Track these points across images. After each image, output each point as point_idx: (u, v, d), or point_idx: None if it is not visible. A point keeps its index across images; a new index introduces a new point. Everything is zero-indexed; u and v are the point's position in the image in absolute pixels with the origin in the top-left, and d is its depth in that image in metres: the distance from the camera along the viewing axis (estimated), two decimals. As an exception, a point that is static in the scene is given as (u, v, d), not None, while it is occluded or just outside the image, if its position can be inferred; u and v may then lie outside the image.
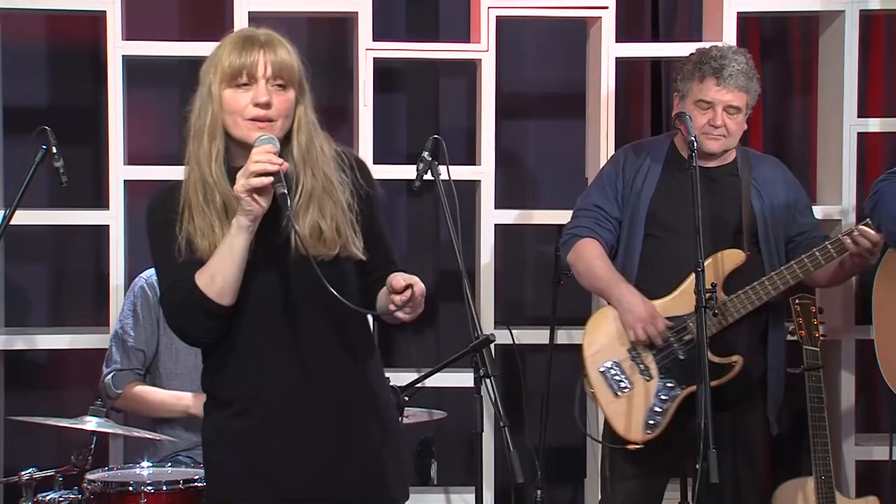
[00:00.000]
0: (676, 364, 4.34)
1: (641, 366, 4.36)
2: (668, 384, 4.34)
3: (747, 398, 4.39)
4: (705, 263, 4.25)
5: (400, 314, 3.13)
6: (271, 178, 3.05)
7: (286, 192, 3.06)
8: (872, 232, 4.23)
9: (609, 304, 4.42)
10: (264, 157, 3.06)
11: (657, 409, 4.34)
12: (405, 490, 3.38)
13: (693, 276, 4.15)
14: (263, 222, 3.13)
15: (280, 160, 3.08)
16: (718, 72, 4.32)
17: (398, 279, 3.10)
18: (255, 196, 3.06)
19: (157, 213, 3.24)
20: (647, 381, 4.35)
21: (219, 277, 3.10)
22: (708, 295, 4.02)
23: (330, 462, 3.24)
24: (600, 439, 4.51)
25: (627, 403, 4.35)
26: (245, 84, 3.13)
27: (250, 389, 3.22)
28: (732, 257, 4.33)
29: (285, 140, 3.18)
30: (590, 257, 4.43)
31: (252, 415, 3.22)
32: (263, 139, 3.11)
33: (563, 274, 4.73)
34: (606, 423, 4.41)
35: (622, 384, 4.36)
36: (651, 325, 4.30)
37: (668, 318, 4.33)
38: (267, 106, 3.12)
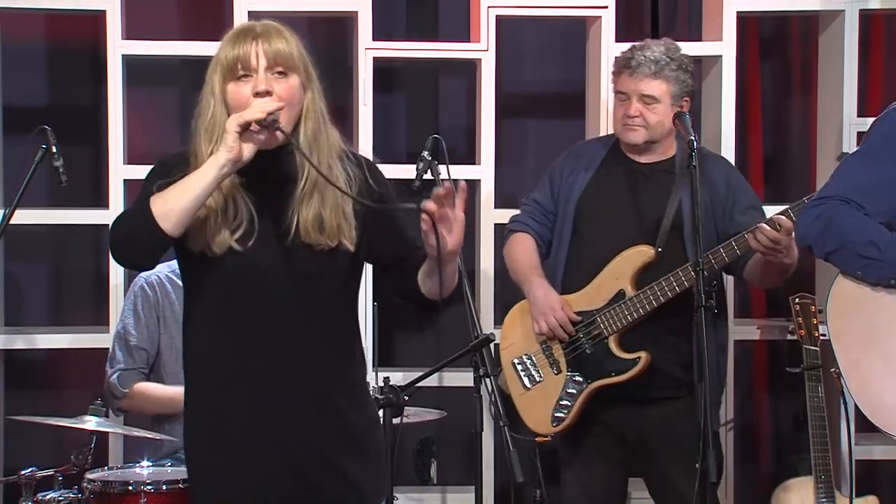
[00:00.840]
0: (584, 358, 4.35)
1: (551, 359, 4.39)
2: (576, 378, 4.35)
3: (675, 398, 4.31)
4: (614, 260, 4.32)
5: (446, 237, 3.04)
6: (264, 117, 3.03)
7: (280, 127, 3.05)
8: (769, 229, 4.16)
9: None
10: (264, 101, 3.07)
11: (564, 402, 4.36)
12: (382, 486, 3.37)
13: (604, 271, 4.31)
14: (268, 212, 3.14)
15: (279, 104, 3.07)
16: (628, 62, 4.36)
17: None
18: (241, 139, 3.03)
19: (162, 170, 3.22)
20: (556, 374, 4.38)
21: (170, 201, 3.06)
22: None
23: (310, 461, 3.23)
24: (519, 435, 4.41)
25: (536, 396, 4.39)
26: (245, 76, 3.12)
27: (232, 380, 3.20)
28: (640, 254, 4.31)
29: (293, 128, 3.16)
30: (515, 251, 4.50)
31: (231, 408, 3.21)
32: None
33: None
34: (518, 415, 4.42)
35: (532, 377, 4.41)
36: (551, 318, 4.32)
37: (577, 313, 4.34)
38: (266, 94, 3.10)
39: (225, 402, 3.22)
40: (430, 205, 3.02)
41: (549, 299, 4.35)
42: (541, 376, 4.40)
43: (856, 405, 3.92)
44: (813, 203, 4.00)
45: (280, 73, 3.13)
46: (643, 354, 4.29)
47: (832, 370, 4.15)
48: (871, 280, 3.88)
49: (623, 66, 4.38)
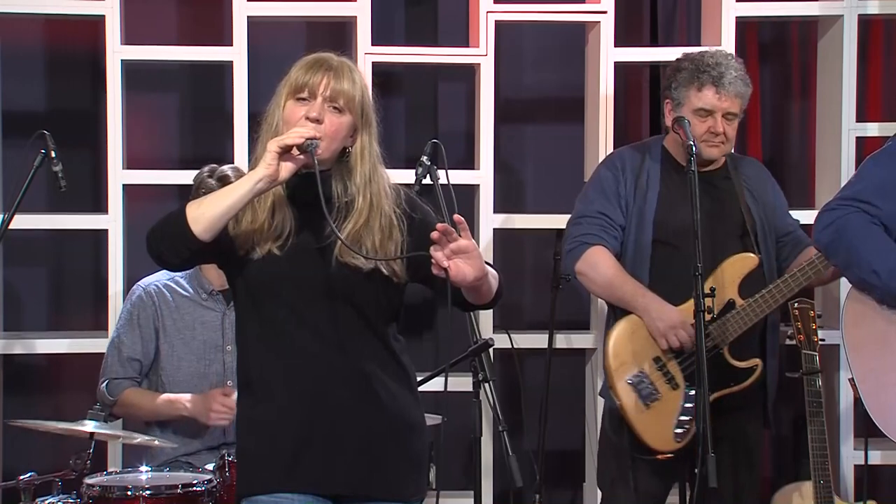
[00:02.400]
0: None
1: (668, 375, 4.31)
2: (693, 392, 4.23)
3: (749, 402, 4.38)
4: (717, 270, 4.29)
5: (454, 265, 3.08)
6: (302, 142, 3.16)
7: (314, 148, 3.17)
8: None
9: (632, 313, 4.33)
10: (305, 127, 3.21)
11: (684, 417, 4.29)
12: (419, 489, 3.40)
13: (708, 281, 4.22)
14: (311, 227, 3.24)
15: (317, 133, 3.19)
16: (718, 80, 4.30)
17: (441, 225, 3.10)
18: (280, 160, 3.16)
19: None
20: (674, 389, 4.30)
21: (203, 207, 3.21)
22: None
23: (344, 461, 3.28)
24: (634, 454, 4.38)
25: (656, 414, 4.30)
26: (305, 99, 3.26)
27: (275, 380, 3.30)
28: (746, 261, 4.32)
29: (348, 170, 3.29)
30: (604, 266, 4.36)
31: (273, 405, 3.29)
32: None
33: (562, 278, 4.72)
34: (632, 434, 4.32)
35: (651, 395, 4.31)
36: (682, 331, 4.24)
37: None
38: (315, 122, 3.23)
39: (272, 402, 3.30)
40: (438, 254, 3.08)
41: (675, 314, 4.26)
42: (658, 393, 4.31)
43: (865, 413, 3.93)
44: (831, 206, 4.08)
45: (336, 108, 3.26)
46: (758, 362, 4.31)
47: (849, 378, 4.18)
48: (875, 299, 3.94)
49: (709, 82, 4.30)
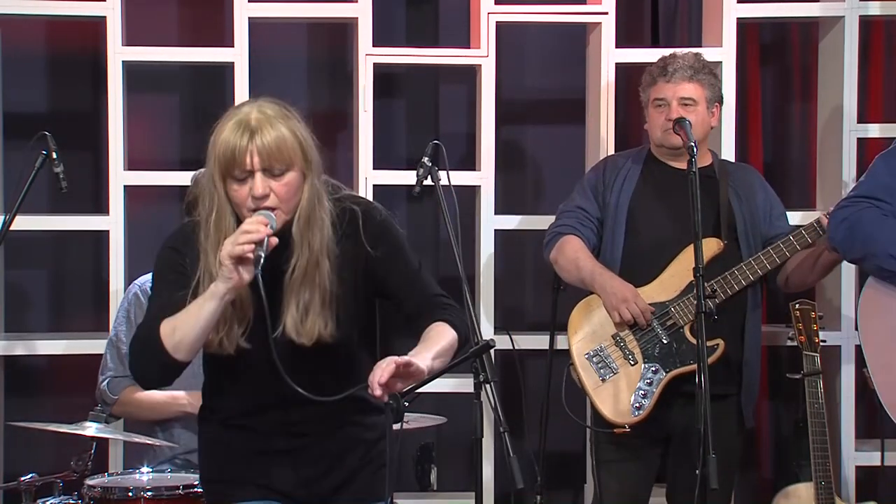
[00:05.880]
0: (660, 348, 4.45)
1: (626, 351, 4.46)
2: (653, 368, 4.44)
3: (722, 387, 4.44)
4: (682, 254, 4.41)
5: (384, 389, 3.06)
6: (253, 247, 3.04)
7: (262, 256, 3.05)
8: None
9: (593, 292, 4.51)
10: (254, 227, 3.05)
11: (643, 392, 4.43)
12: (381, 489, 3.38)
13: (672, 264, 4.42)
14: (269, 306, 3.10)
15: (267, 230, 3.06)
16: (663, 70, 4.53)
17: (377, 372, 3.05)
18: (238, 266, 3.04)
19: (171, 247, 3.26)
20: (633, 365, 4.45)
21: (179, 332, 3.11)
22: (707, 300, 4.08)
23: (319, 466, 3.31)
24: (588, 425, 4.58)
25: (614, 388, 4.45)
26: (243, 178, 3.12)
27: (243, 409, 3.30)
28: (710, 245, 4.40)
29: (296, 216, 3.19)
30: (571, 251, 4.55)
31: (240, 428, 3.30)
32: (262, 212, 3.11)
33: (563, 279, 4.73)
34: (593, 408, 4.50)
35: (608, 369, 4.46)
36: (633, 305, 4.40)
37: (650, 304, 4.43)
38: (264, 198, 3.11)
39: (238, 430, 3.31)
40: (374, 382, 3.04)
41: (626, 289, 4.43)
42: (617, 368, 4.46)
43: (865, 413, 3.93)
44: (842, 204, 4.11)
45: (277, 172, 3.12)
46: (720, 341, 4.39)
47: (863, 369, 4.20)
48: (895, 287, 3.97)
49: (658, 74, 4.54)
